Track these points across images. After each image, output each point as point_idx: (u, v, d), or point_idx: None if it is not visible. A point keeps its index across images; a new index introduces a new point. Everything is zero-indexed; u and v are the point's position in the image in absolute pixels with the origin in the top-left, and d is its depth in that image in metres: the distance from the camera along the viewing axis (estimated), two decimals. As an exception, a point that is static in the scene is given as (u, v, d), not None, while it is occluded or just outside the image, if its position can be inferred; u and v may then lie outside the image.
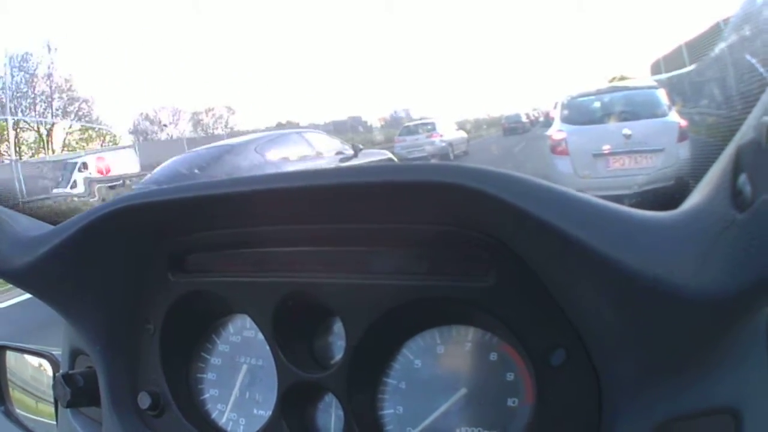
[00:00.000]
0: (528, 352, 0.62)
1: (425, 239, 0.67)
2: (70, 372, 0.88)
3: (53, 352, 1.02)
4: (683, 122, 5.87)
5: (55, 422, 1.01)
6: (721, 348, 0.51)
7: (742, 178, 0.43)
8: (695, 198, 0.49)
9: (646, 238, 0.48)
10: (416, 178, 0.57)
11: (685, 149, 5.67)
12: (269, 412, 0.77)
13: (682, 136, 5.74)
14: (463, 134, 14.81)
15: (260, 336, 0.79)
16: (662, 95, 6.32)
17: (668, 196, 4.99)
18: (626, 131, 5.91)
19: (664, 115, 6.09)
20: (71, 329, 0.91)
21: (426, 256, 0.68)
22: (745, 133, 0.45)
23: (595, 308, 0.55)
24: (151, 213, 0.75)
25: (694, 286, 0.44)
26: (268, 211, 0.72)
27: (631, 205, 0.51)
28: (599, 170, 5.94)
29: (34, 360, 1.08)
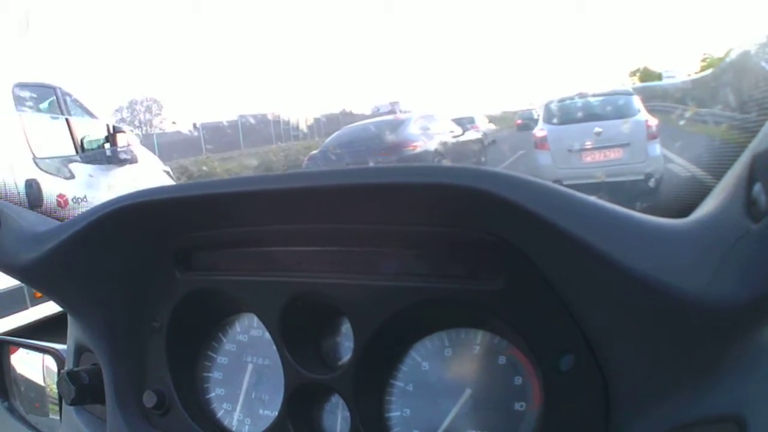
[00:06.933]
0: (536, 357, 0.62)
1: (435, 241, 0.66)
2: (75, 369, 0.88)
3: (58, 349, 1.02)
4: (653, 122, 6.85)
5: (59, 419, 1.01)
6: (729, 356, 0.51)
7: (757, 188, 0.43)
8: (709, 205, 0.49)
9: (660, 245, 0.48)
10: (429, 180, 0.57)
11: (655, 147, 6.60)
12: (275, 413, 0.77)
13: (651, 134, 6.70)
14: (492, 126, 17.32)
15: (267, 335, 0.79)
16: (635, 100, 7.32)
17: (639, 190, 6.22)
18: (597, 129, 6.97)
19: (633, 115, 7.05)
20: (77, 326, 0.91)
21: (436, 258, 0.67)
22: (760, 141, 0.45)
23: (605, 314, 0.55)
24: (158, 210, 0.75)
25: (706, 295, 0.44)
26: (276, 211, 0.72)
27: (643, 211, 0.51)
28: (573, 163, 7.00)
29: (38, 356, 1.08)
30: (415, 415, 0.71)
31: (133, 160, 6.20)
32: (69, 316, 0.92)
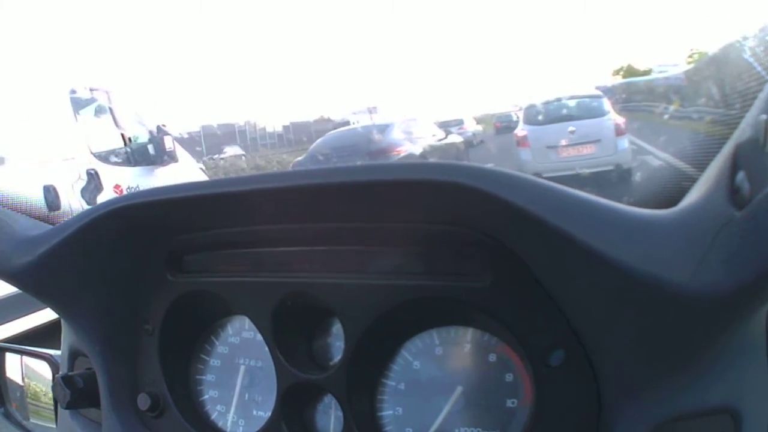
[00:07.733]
0: (527, 353, 0.62)
1: (424, 239, 0.66)
2: (70, 373, 0.88)
3: (52, 354, 1.02)
4: (621, 120, 7.89)
5: (54, 424, 1.01)
6: (719, 347, 0.50)
7: (740, 176, 0.43)
8: (693, 196, 0.49)
9: (644, 235, 0.47)
10: (414, 177, 0.57)
11: (623, 141, 7.63)
12: (269, 413, 0.77)
13: (620, 131, 7.69)
14: (480, 128, 18.40)
15: (259, 337, 0.79)
16: (605, 102, 8.40)
17: (610, 180, 7.16)
18: (571, 128, 7.96)
19: (603, 115, 8.11)
20: (70, 331, 0.91)
21: (424, 256, 0.68)
22: (743, 131, 0.45)
23: (593, 308, 0.55)
24: (149, 212, 0.75)
25: (692, 284, 0.44)
26: (267, 211, 0.72)
27: (629, 203, 0.51)
28: (551, 158, 7.98)
29: (33, 361, 1.08)
30: (408, 414, 0.71)
31: (175, 159, 6.62)
32: (63, 321, 0.92)
